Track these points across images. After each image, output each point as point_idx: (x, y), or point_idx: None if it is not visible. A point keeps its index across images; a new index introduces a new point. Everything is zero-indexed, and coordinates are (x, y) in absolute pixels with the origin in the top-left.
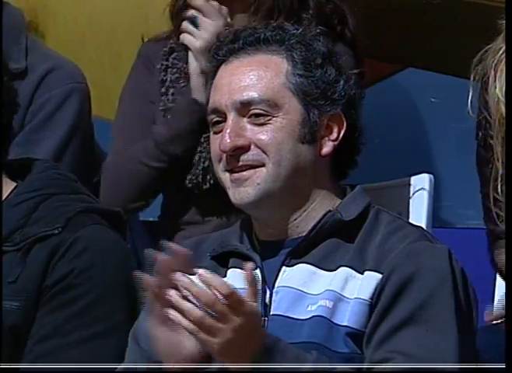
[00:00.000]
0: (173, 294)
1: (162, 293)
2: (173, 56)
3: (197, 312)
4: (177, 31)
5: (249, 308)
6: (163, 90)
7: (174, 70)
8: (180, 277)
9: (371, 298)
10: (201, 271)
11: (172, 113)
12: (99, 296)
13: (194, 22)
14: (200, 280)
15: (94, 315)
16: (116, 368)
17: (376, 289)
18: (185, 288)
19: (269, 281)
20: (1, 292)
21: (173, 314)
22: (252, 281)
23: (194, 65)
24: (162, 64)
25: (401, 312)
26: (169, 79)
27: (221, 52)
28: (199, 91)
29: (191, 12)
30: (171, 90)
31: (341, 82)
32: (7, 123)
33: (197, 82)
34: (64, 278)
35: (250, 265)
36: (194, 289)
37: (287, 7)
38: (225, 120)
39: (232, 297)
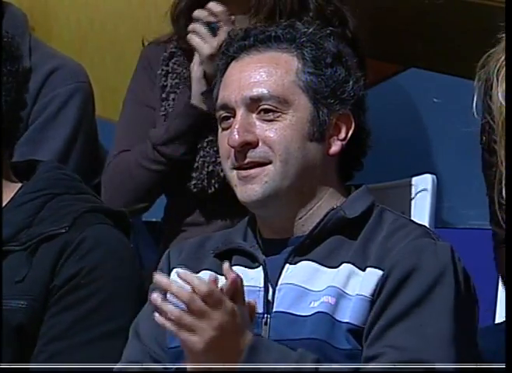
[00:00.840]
0: (155, 296)
1: None
2: (173, 61)
3: (175, 311)
4: (179, 34)
5: (230, 306)
6: (164, 95)
7: (174, 75)
8: (159, 277)
9: (372, 295)
10: (180, 270)
11: (169, 116)
12: (107, 296)
13: (212, 27)
14: (179, 279)
15: (103, 315)
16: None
17: (377, 286)
18: (164, 288)
19: (272, 279)
20: (0, 292)
21: (156, 316)
22: (233, 280)
23: (196, 69)
24: (162, 70)
25: (397, 308)
26: (169, 85)
27: (232, 49)
28: (197, 96)
29: (207, 17)
30: (171, 95)
31: (351, 82)
32: (13, 123)
33: (197, 87)
34: (72, 278)
35: (226, 265)
36: (172, 288)
37: (287, 9)
38: (234, 115)
39: (211, 295)
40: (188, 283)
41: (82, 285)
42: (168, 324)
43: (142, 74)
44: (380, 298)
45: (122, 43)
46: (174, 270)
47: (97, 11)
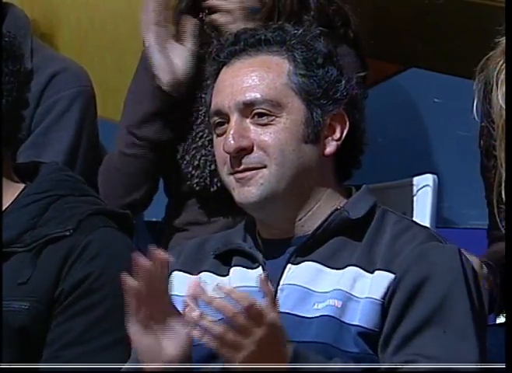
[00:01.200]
0: (191, 312)
1: (142, 297)
2: None
3: (217, 329)
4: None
5: (270, 319)
6: None
7: None
8: (200, 290)
9: (383, 298)
10: (219, 285)
11: (138, 98)
12: (117, 300)
13: (255, 12)
14: (220, 293)
15: (115, 319)
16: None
17: (388, 289)
18: (205, 303)
19: (273, 279)
20: (0, 292)
21: (194, 331)
22: (269, 291)
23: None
24: None
25: (419, 315)
26: None
27: (222, 54)
28: (159, 65)
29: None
30: None
31: (343, 82)
32: (14, 123)
33: (157, 56)
34: (81, 283)
35: (263, 275)
36: (214, 304)
37: (287, 9)
38: (228, 121)
39: (252, 309)
40: (228, 296)
41: (93, 290)
42: (208, 339)
43: (143, 74)
44: (395, 304)
45: (122, 42)
46: (173, 273)
47: (97, 10)
